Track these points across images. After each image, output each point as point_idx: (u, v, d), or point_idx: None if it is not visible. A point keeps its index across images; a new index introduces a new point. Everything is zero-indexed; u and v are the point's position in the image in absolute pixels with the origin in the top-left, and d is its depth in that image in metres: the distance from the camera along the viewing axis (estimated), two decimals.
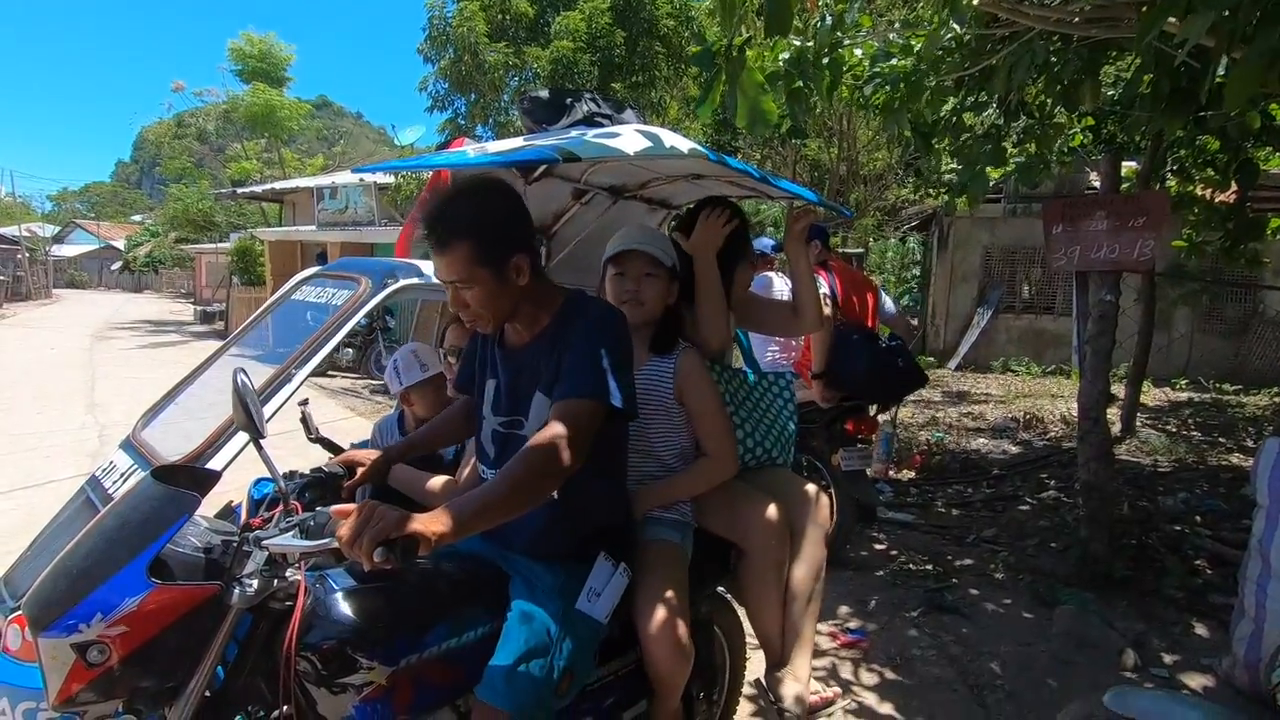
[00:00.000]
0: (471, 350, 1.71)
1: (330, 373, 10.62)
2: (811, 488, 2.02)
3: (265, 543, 1.20)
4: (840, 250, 9.94)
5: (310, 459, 2.29)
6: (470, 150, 1.83)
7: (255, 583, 1.18)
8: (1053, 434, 6.65)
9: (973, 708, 2.65)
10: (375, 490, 1.99)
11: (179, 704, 1.17)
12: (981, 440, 6.50)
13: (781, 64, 3.03)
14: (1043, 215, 3.97)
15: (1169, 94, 2.75)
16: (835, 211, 2.81)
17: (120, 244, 43.57)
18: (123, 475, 1.91)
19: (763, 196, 2.87)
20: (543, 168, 2.34)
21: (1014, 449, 6.23)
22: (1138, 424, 6.55)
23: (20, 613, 1.48)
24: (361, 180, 13.75)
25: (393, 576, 1.41)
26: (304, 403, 2.13)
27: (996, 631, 3.21)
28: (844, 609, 3.41)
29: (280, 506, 1.34)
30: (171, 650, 1.16)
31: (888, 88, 3.31)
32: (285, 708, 1.21)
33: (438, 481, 2.00)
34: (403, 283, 2.05)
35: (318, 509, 1.22)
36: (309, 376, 1.90)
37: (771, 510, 1.88)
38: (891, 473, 5.44)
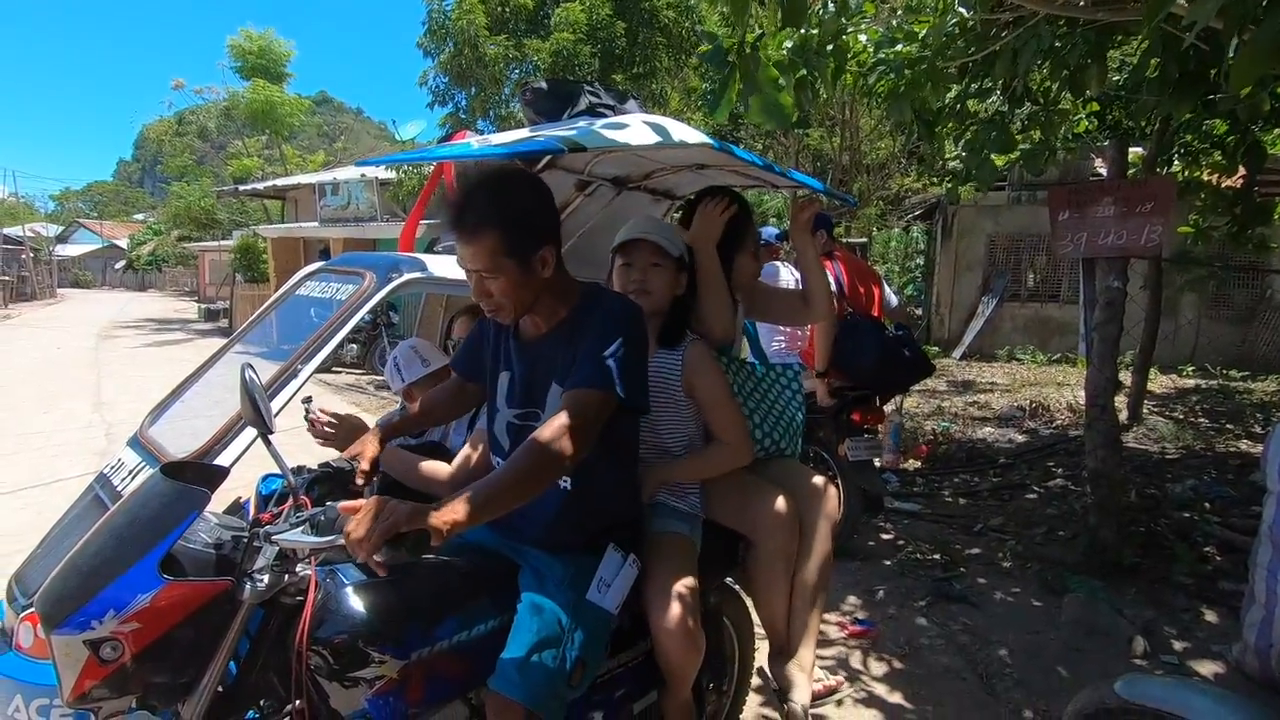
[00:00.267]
0: (477, 337, 1.70)
1: (335, 369, 10.64)
2: (820, 479, 2.02)
3: (275, 538, 1.20)
4: (844, 240, 9.89)
5: (317, 454, 2.29)
6: (474, 142, 1.82)
7: (266, 578, 1.18)
8: (1059, 422, 6.63)
9: (982, 696, 2.65)
10: (384, 484, 1.98)
11: (192, 699, 1.18)
12: (988, 429, 6.48)
13: (785, 53, 3.00)
14: (1048, 202, 3.94)
15: (1177, 78, 2.72)
16: (839, 200, 2.79)
17: (124, 243, 43.64)
18: (131, 472, 1.91)
19: (767, 186, 2.86)
20: (546, 159, 2.33)
21: (1020, 437, 6.22)
22: (1145, 411, 6.52)
23: (32, 610, 1.49)
24: (363, 176, 13.74)
25: (403, 570, 1.42)
26: (307, 400, 2.13)
27: (1005, 620, 3.20)
28: (852, 599, 3.41)
29: (290, 502, 1.34)
30: (184, 646, 1.16)
31: (892, 75, 3.28)
32: (298, 702, 1.21)
33: (432, 465, 1.99)
34: (407, 277, 2.04)
35: (327, 504, 1.22)
36: (315, 372, 1.89)
37: (780, 502, 1.87)
38: (899, 462, 5.43)
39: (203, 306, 22.28)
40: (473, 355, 1.70)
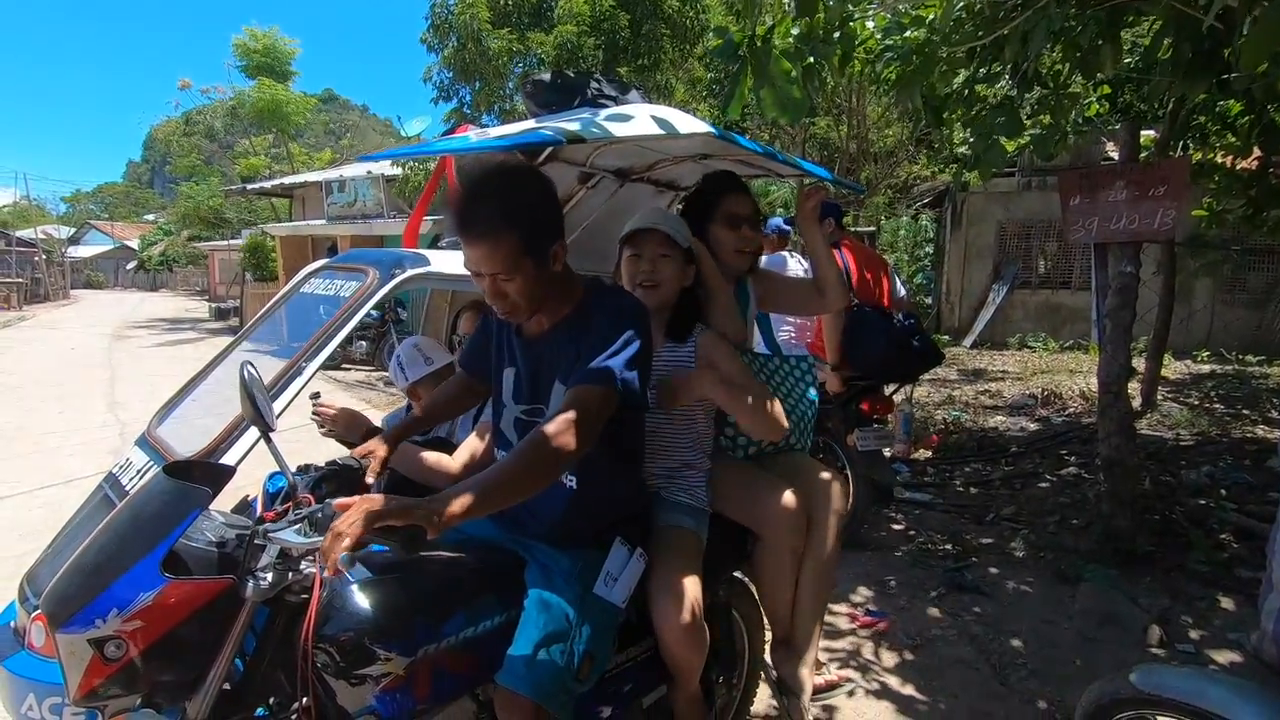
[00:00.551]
0: (482, 333, 1.69)
1: (345, 366, 10.69)
2: (828, 474, 2.00)
3: (270, 536, 1.20)
4: (852, 229, 9.82)
5: (326, 453, 2.29)
6: (473, 135, 1.81)
7: (269, 576, 1.18)
8: (1072, 410, 6.57)
9: (995, 687, 2.63)
10: (392, 480, 1.98)
11: (198, 697, 1.18)
12: (999, 418, 6.43)
13: (791, 41, 2.96)
14: (1059, 187, 3.89)
15: (1190, 58, 2.67)
16: (847, 189, 2.75)
17: (135, 243, 43.96)
18: (139, 472, 1.92)
19: (773, 175, 2.83)
20: (547, 152, 2.31)
21: (1032, 426, 6.16)
22: (1159, 398, 6.46)
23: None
24: (369, 173, 13.78)
25: (408, 567, 1.41)
26: (315, 396, 2.13)
27: (1018, 610, 3.18)
28: (863, 590, 3.39)
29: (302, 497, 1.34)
30: (188, 644, 1.16)
31: (899, 61, 3.24)
32: (305, 699, 1.21)
33: (437, 458, 1.98)
34: (410, 273, 2.04)
35: (325, 502, 1.21)
36: (320, 369, 1.89)
37: (789, 497, 1.86)
38: (909, 452, 5.40)
39: (213, 305, 22.45)
40: (479, 352, 1.70)
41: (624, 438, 1.53)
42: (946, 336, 11.28)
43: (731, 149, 2.17)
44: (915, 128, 10.43)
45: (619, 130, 1.70)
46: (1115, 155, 5.33)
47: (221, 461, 1.65)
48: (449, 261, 2.04)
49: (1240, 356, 9.13)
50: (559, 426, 1.25)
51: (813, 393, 2.16)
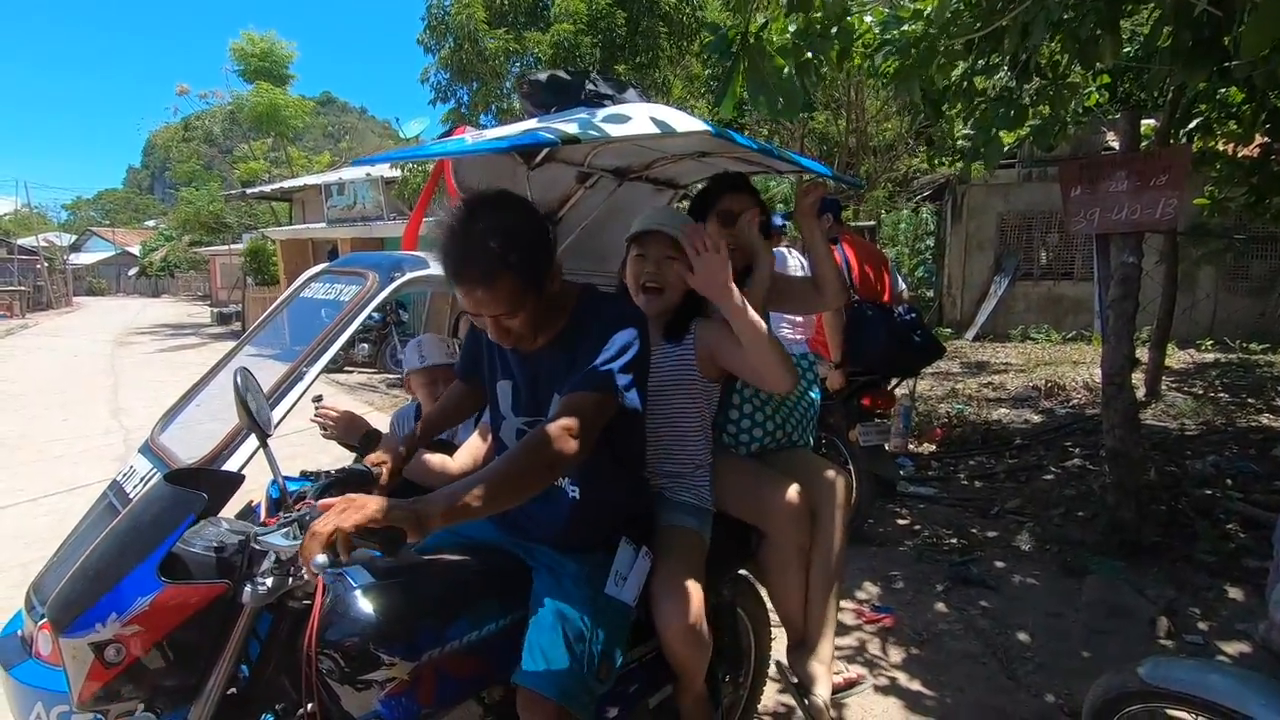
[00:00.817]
0: (474, 341, 1.69)
1: (347, 368, 10.71)
2: (832, 470, 1.99)
3: (258, 539, 1.20)
4: (852, 223, 9.80)
5: (332, 455, 2.30)
6: (469, 137, 1.80)
7: (268, 582, 1.17)
8: (1075, 401, 6.55)
9: (1003, 681, 2.62)
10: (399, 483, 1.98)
11: (199, 702, 1.18)
12: (1003, 410, 6.42)
13: (789, 37, 2.95)
14: (1060, 178, 3.87)
15: (1190, 46, 2.65)
16: (846, 184, 2.73)
17: (136, 249, 44.14)
18: (142, 479, 1.92)
19: (772, 171, 2.82)
20: (545, 152, 2.30)
21: (1036, 418, 6.15)
22: (1163, 388, 6.44)
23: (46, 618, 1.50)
24: (368, 175, 13.77)
25: (411, 571, 1.41)
26: (318, 399, 2.13)
27: (1025, 603, 3.17)
28: (869, 585, 3.39)
29: (300, 505, 1.34)
30: (187, 648, 1.17)
31: (897, 55, 3.22)
32: (310, 705, 1.21)
33: (439, 460, 1.98)
34: (410, 275, 2.04)
35: (311, 505, 1.22)
36: (322, 373, 1.89)
37: (793, 493, 1.85)
38: (912, 446, 5.39)
39: (215, 310, 22.51)
40: (474, 359, 1.69)
41: (624, 443, 1.52)
42: (948, 329, 11.26)
43: (729, 147, 2.16)
44: (914, 121, 10.40)
45: (616, 130, 1.70)
46: (1116, 145, 5.31)
47: (224, 468, 1.66)
48: None
49: (1244, 345, 9.11)
50: (555, 432, 1.24)
51: (815, 391, 2.15)
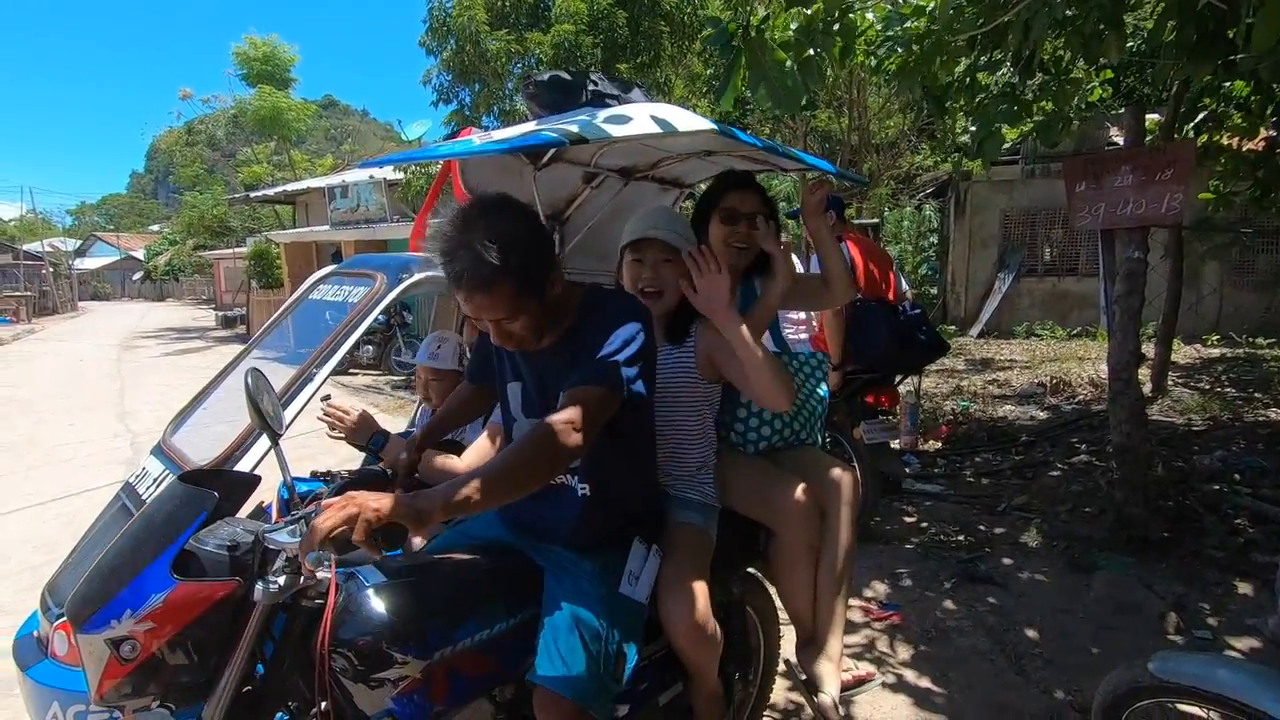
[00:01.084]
0: (484, 344, 1.69)
1: (352, 370, 10.73)
2: (839, 468, 1.99)
3: (266, 538, 1.21)
4: (855, 221, 9.80)
5: (340, 455, 2.31)
6: (476, 138, 1.81)
7: (281, 580, 1.18)
8: (1081, 397, 6.53)
9: (1012, 678, 2.62)
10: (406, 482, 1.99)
11: (213, 699, 1.19)
12: (1008, 407, 6.41)
13: (791, 33, 2.95)
14: (1064, 174, 3.86)
15: (1194, 40, 2.64)
16: (850, 181, 2.73)
17: (140, 254, 44.24)
18: (155, 481, 1.94)
19: (776, 169, 2.82)
20: (551, 153, 2.31)
21: (1042, 414, 6.14)
22: (1169, 383, 6.41)
23: (64, 619, 1.51)
24: (371, 178, 13.80)
25: (423, 570, 1.42)
26: (326, 398, 2.15)
27: (1033, 600, 3.17)
28: (876, 583, 3.39)
29: (310, 504, 1.35)
30: (199, 645, 1.18)
31: (900, 51, 3.22)
32: (323, 704, 1.22)
33: (447, 460, 2.00)
34: (418, 276, 2.05)
35: (317, 504, 1.23)
36: (331, 374, 1.90)
37: (800, 491, 1.85)
38: (918, 444, 5.38)
39: (220, 314, 22.57)
40: (485, 361, 1.70)
41: (632, 438, 1.53)
42: (953, 326, 11.24)
43: (734, 145, 2.16)
44: (917, 118, 10.38)
45: (620, 130, 1.70)
46: (1120, 140, 5.29)
47: (236, 468, 1.67)
48: None
49: (1251, 339, 9.07)
50: (557, 426, 1.24)
51: (823, 389, 2.15)
